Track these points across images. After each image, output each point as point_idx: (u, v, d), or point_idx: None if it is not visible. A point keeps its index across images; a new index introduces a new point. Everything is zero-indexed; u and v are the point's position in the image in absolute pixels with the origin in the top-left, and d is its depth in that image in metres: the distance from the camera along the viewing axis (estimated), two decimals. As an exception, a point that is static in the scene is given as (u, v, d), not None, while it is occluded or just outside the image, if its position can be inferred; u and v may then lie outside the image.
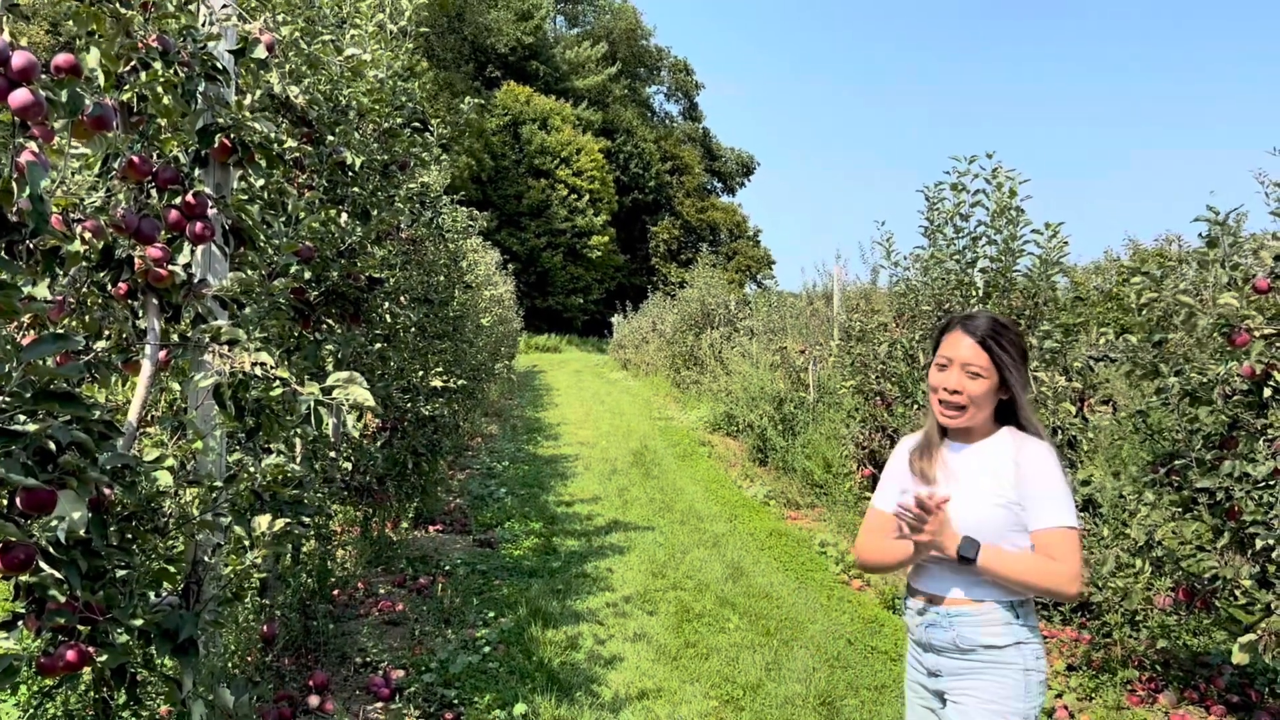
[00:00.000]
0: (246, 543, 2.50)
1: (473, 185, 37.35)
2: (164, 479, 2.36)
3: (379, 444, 5.66)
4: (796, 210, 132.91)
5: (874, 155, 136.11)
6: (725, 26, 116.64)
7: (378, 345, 5.00)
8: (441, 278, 7.00)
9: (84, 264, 2.62)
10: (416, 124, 5.14)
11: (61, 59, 2.35)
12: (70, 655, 2.26)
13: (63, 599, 2.22)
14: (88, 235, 2.54)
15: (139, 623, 2.30)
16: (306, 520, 3.30)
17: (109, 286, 2.74)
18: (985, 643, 2.29)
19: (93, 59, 2.60)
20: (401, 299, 5.76)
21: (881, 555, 2.50)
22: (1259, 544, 3.43)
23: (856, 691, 4.57)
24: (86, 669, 2.51)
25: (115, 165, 2.82)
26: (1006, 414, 2.42)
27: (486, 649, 4.86)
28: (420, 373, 6.30)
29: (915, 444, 2.55)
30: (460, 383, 7.46)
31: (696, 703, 4.40)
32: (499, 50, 46.15)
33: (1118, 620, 4.47)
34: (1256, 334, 3.62)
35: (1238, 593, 3.65)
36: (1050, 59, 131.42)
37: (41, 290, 2.24)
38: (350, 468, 5.03)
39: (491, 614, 5.48)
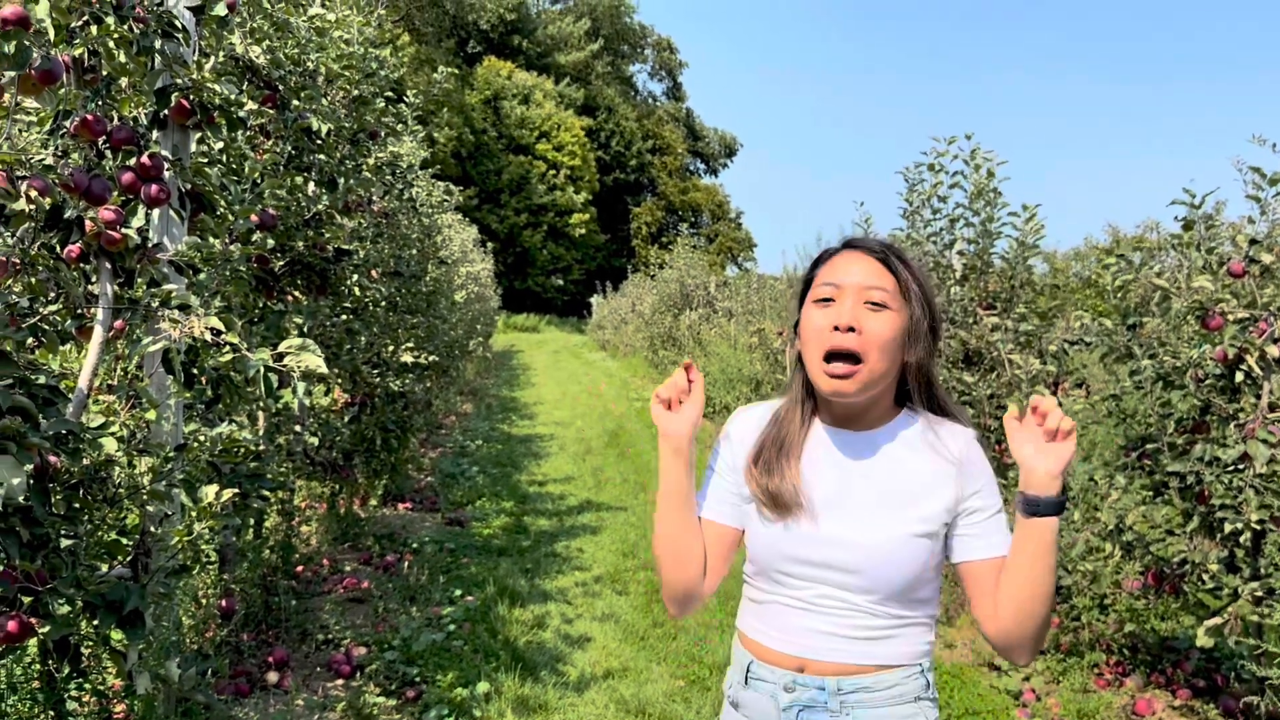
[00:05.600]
0: (194, 513, 2.43)
1: (453, 161, 37.02)
2: (109, 446, 2.29)
3: (347, 419, 5.57)
4: (781, 193, 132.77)
5: (862, 140, 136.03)
6: (710, 5, 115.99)
7: (345, 318, 4.91)
8: (414, 252, 6.91)
9: (31, 224, 2.53)
10: (390, 94, 5.05)
11: (9, 10, 2.27)
12: (10, 626, 2.18)
13: (0, 568, 2.15)
14: (33, 194, 2.45)
15: (80, 594, 2.23)
16: (267, 494, 3.24)
17: (58, 249, 2.66)
18: None
19: (42, 10, 2.50)
20: (372, 272, 5.66)
21: (669, 543, 1.76)
22: (1227, 528, 3.42)
23: (824, 672, 4.54)
24: (31, 640, 2.44)
25: (67, 124, 2.73)
26: (905, 394, 1.68)
27: (452, 627, 4.80)
28: (391, 347, 6.22)
29: (755, 439, 1.73)
30: (432, 359, 7.37)
31: (663, 682, 4.37)
32: (481, 25, 45.72)
33: (1086, 604, 4.46)
34: (1230, 318, 3.60)
35: (1205, 577, 3.64)
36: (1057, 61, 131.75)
37: (-18, 248, 2.16)
38: (316, 443, 4.95)
39: (458, 592, 5.42)
